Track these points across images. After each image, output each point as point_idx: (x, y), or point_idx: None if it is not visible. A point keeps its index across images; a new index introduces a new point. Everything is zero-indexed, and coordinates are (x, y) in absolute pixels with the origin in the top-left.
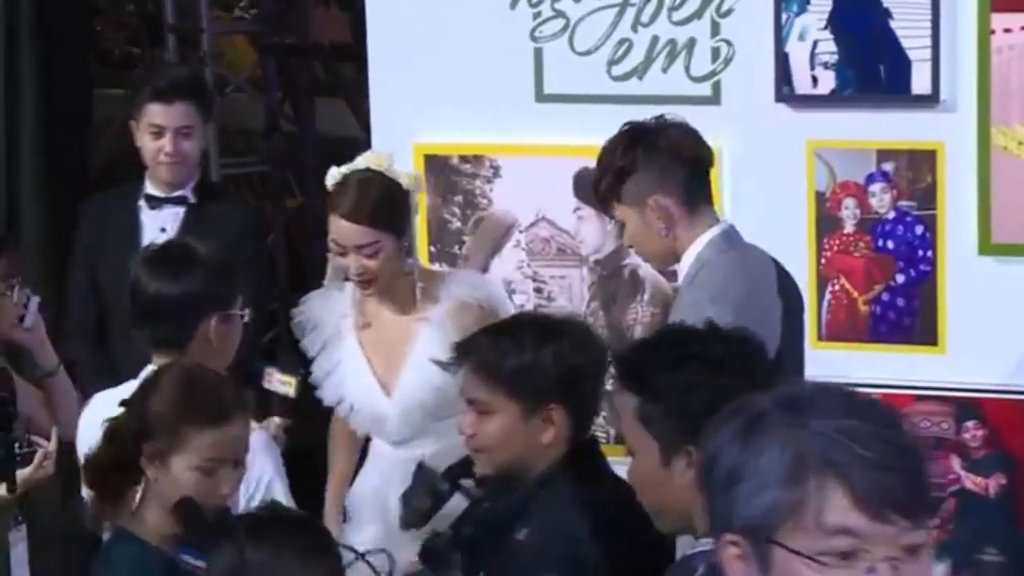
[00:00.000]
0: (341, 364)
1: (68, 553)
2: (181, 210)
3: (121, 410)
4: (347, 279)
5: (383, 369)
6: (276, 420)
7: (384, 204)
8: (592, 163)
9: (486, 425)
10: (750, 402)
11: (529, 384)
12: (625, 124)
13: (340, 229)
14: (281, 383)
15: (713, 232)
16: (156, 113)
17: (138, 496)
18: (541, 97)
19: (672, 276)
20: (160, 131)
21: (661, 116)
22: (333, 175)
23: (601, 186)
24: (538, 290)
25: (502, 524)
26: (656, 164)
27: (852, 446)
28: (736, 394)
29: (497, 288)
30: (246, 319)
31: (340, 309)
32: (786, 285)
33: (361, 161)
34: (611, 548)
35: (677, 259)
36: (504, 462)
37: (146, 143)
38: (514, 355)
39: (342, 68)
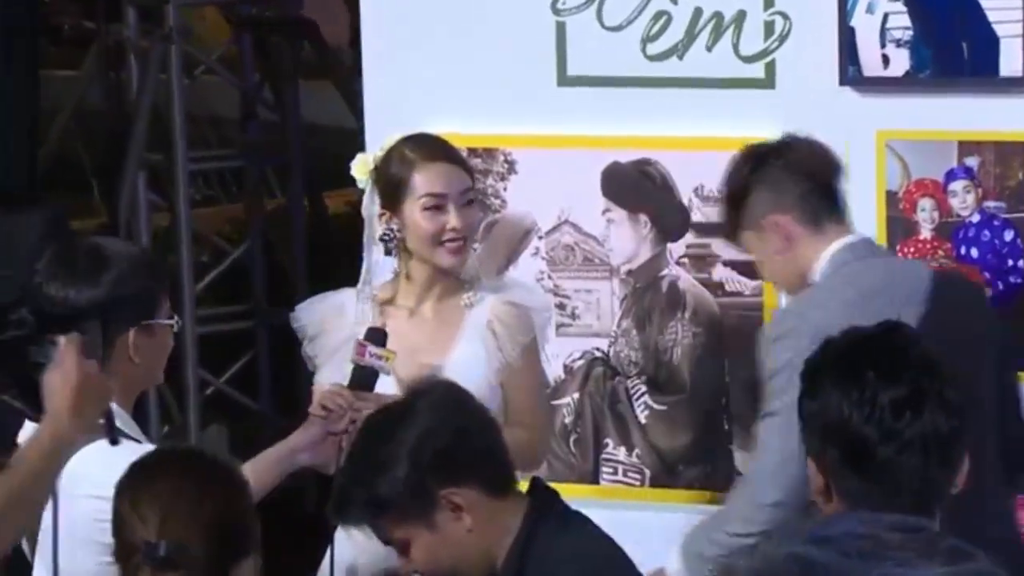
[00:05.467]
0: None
1: None
2: None
3: None
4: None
5: (411, 380)
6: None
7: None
8: (623, 156)
9: (413, 557)
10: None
11: (403, 500)
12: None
13: (443, 175)
14: (377, 357)
15: (836, 246)
16: None
17: None
18: (564, 80)
19: (716, 289)
20: None
21: (788, 134)
22: (365, 160)
23: (726, 219)
24: (561, 306)
25: None
26: (767, 182)
27: None
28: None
29: (548, 301)
30: (176, 329)
31: (353, 315)
32: (961, 307)
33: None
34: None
35: (808, 283)
36: (455, 573)
37: None
38: (374, 484)
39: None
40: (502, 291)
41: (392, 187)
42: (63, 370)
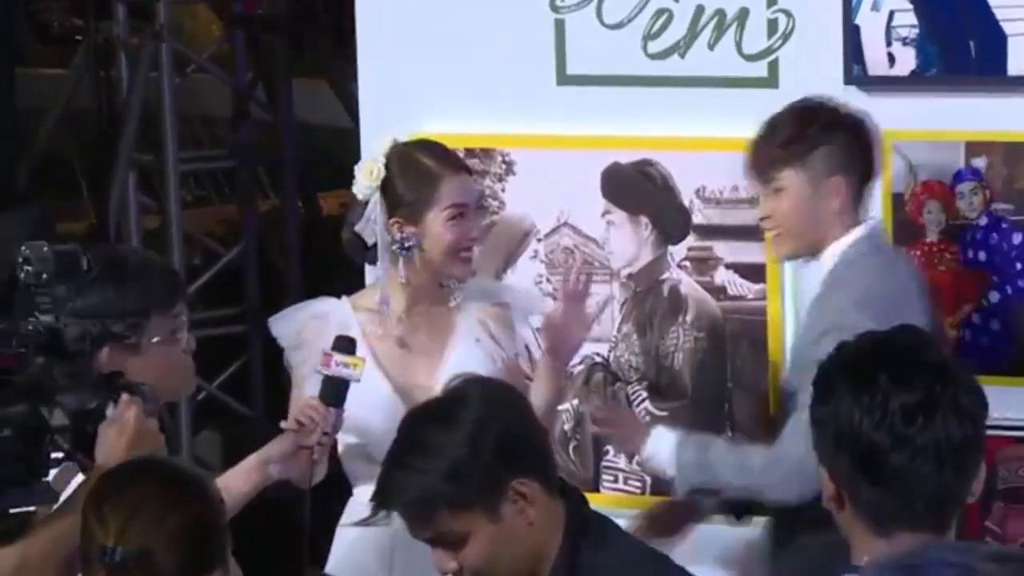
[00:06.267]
0: (354, 390)
1: None
2: None
3: None
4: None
5: (407, 385)
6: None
7: None
8: (623, 156)
9: (466, 554)
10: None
11: (471, 486)
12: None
13: (466, 184)
14: (344, 366)
15: (860, 232)
16: None
17: None
18: (563, 79)
19: (718, 292)
20: None
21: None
22: (375, 169)
23: (779, 145)
24: None
25: None
26: (844, 144)
27: None
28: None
29: (535, 300)
30: (185, 345)
31: (338, 323)
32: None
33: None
34: None
35: (813, 254)
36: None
37: None
38: (435, 469)
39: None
40: (488, 292)
41: (412, 197)
42: (120, 422)
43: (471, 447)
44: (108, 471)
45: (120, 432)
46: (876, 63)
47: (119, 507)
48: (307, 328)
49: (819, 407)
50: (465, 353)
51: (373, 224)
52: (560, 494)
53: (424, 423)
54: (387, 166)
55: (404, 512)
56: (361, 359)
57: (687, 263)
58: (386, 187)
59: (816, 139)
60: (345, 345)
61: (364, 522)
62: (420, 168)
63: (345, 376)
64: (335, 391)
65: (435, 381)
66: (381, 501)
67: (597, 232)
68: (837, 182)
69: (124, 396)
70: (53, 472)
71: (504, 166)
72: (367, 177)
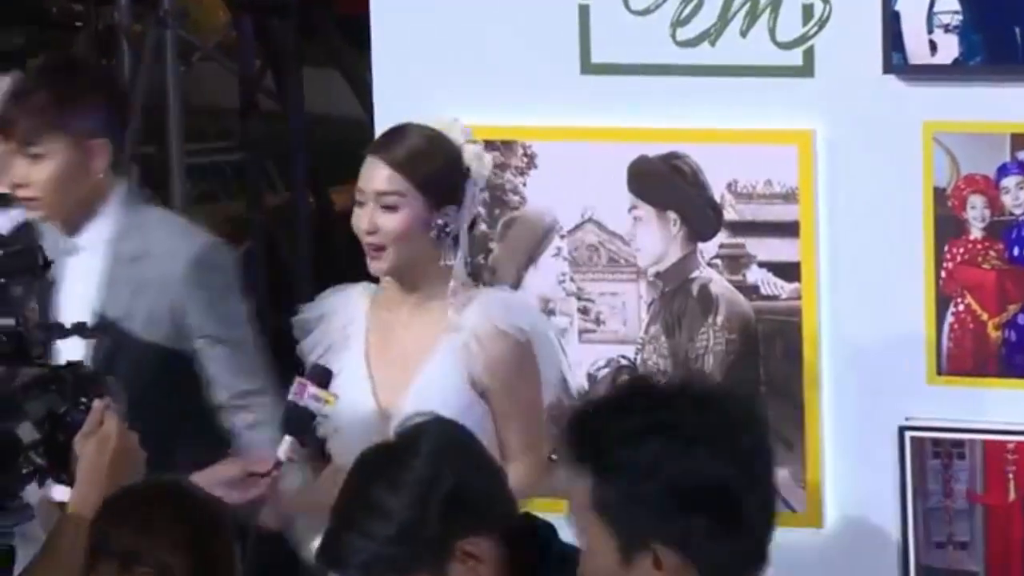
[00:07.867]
0: (340, 377)
1: None
2: None
3: None
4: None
5: (388, 391)
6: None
7: (424, 154)
8: (651, 149)
9: None
10: None
11: (414, 550)
12: None
13: (367, 170)
14: (316, 399)
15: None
16: None
17: None
18: (588, 67)
19: (750, 292)
20: None
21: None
22: None
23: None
24: (584, 311)
25: None
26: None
27: None
28: (711, 474)
29: (540, 318)
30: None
31: (353, 309)
32: None
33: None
34: None
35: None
36: None
37: None
38: (378, 533)
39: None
40: (493, 308)
41: None
42: (100, 436)
43: (418, 510)
44: (128, 487)
45: (100, 449)
46: (917, 51)
47: (128, 511)
48: (331, 313)
49: (629, 476)
50: (447, 364)
51: None
52: (527, 532)
53: (374, 478)
54: None
55: (350, 575)
56: (334, 395)
57: (718, 261)
58: None
59: (61, 96)
60: (321, 376)
61: None
62: None
63: (313, 410)
64: (299, 422)
65: (406, 393)
66: (327, 563)
67: (623, 228)
68: (99, 145)
69: (97, 402)
70: (30, 489)
71: (526, 159)
72: None
